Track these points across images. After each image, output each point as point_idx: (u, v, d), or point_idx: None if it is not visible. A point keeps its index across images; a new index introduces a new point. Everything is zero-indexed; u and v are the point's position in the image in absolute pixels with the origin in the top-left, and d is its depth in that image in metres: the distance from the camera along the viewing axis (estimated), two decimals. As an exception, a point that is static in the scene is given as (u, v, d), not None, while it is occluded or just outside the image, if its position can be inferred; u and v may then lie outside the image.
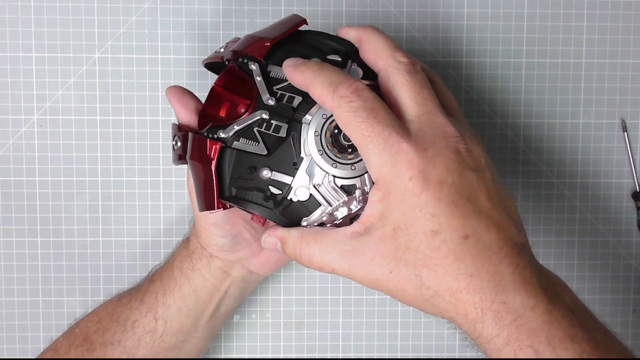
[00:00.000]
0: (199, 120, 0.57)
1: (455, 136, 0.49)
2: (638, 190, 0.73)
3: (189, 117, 0.59)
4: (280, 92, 0.52)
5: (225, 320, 0.67)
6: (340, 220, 0.53)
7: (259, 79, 0.53)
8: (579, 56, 0.73)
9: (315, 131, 0.51)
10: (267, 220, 0.54)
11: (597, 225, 0.74)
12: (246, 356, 0.75)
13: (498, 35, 0.72)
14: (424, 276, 0.48)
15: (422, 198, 0.47)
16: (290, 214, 0.53)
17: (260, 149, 0.52)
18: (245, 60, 0.54)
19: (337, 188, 0.51)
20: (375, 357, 0.75)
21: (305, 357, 0.75)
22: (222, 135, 0.53)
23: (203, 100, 0.58)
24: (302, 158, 0.52)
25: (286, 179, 0.52)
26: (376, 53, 0.52)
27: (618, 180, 0.74)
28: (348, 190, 0.52)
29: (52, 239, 0.73)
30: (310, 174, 0.51)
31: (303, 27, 0.56)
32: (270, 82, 0.53)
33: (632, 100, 0.73)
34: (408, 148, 0.47)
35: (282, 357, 0.75)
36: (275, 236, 0.54)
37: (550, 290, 0.49)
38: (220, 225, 0.61)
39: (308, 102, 0.52)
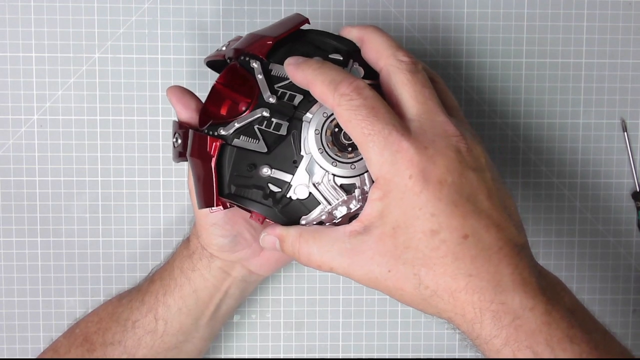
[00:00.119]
0: (200, 117, 0.57)
1: (456, 135, 0.49)
2: (638, 190, 0.73)
3: (190, 117, 0.59)
4: (281, 90, 0.53)
5: (225, 321, 0.67)
6: (339, 219, 0.53)
7: (260, 76, 0.53)
8: (579, 56, 0.73)
9: (316, 129, 0.51)
10: (266, 219, 0.54)
11: (597, 225, 0.74)
12: (246, 356, 0.75)
13: (498, 35, 0.72)
14: (422, 275, 0.48)
15: (422, 197, 0.47)
16: (289, 212, 0.53)
17: (260, 146, 0.52)
18: (247, 59, 0.54)
19: (336, 187, 0.51)
20: (375, 357, 0.75)
21: (305, 357, 0.75)
22: (222, 132, 0.53)
23: (203, 100, 0.58)
24: (302, 156, 0.52)
25: (286, 176, 0.52)
26: (378, 52, 0.52)
27: (618, 180, 0.74)
28: (347, 189, 0.52)
29: (52, 239, 0.73)
30: (310, 172, 0.51)
31: (305, 27, 0.57)
32: (271, 80, 0.53)
33: (632, 100, 0.73)
34: (408, 146, 0.47)
35: (282, 357, 0.75)
36: (274, 234, 0.54)
37: (549, 291, 0.49)
38: (221, 225, 0.61)
39: (309, 100, 0.52)
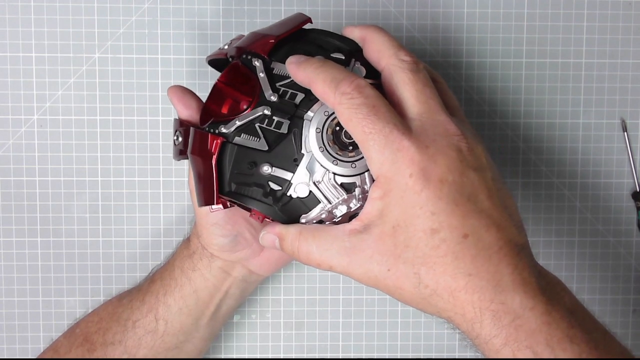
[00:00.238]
0: (201, 116, 0.57)
1: (457, 134, 0.49)
2: (638, 190, 0.73)
3: (191, 116, 0.59)
4: (283, 88, 0.53)
5: (225, 321, 0.67)
6: (339, 218, 0.53)
7: (262, 75, 0.53)
8: (579, 56, 0.73)
9: (317, 128, 0.51)
10: (266, 217, 0.54)
11: (597, 225, 0.74)
12: (246, 356, 0.75)
13: (498, 35, 0.72)
14: (422, 274, 0.48)
15: (423, 196, 0.47)
16: (289, 211, 0.53)
17: (261, 144, 0.52)
18: (249, 57, 0.54)
19: (337, 185, 0.51)
20: (375, 357, 0.75)
21: (305, 357, 0.75)
22: (223, 130, 0.53)
23: (204, 100, 0.58)
24: (303, 155, 0.52)
25: (286, 175, 0.52)
26: (379, 52, 0.52)
27: (618, 180, 0.74)
28: (348, 188, 0.52)
29: (52, 239, 0.73)
30: (310, 170, 0.52)
31: (307, 26, 0.57)
32: (273, 78, 0.53)
33: (632, 100, 0.73)
34: (409, 145, 0.47)
35: (282, 357, 0.75)
36: (274, 233, 0.54)
37: (549, 291, 0.49)
38: (221, 225, 0.61)
39: (310, 99, 0.52)
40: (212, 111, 0.56)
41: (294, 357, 0.75)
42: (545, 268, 0.51)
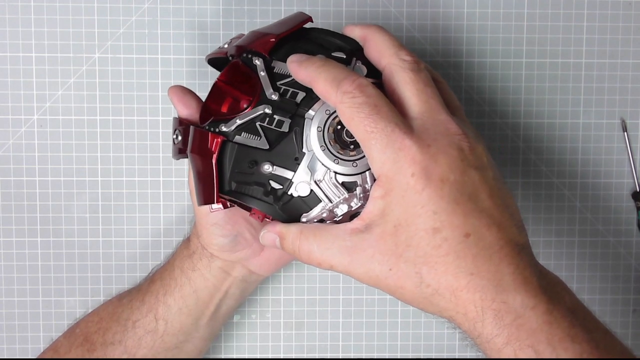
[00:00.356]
0: (201, 114, 0.57)
1: (458, 134, 0.49)
2: (638, 190, 0.73)
3: (191, 116, 0.59)
4: (283, 87, 0.53)
5: (225, 321, 0.67)
6: (340, 217, 0.53)
7: (262, 73, 0.53)
8: (579, 56, 0.73)
9: (318, 127, 0.51)
10: (266, 216, 0.54)
11: (597, 225, 0.74)
12: (246, 356, 0.75)
13: (498, 35, 0.72)
14: (424, 274, 0.48)
15: (424, 195, 0.47)
16: (290, 210, 0.53)
17: (262, 143, 0.52)
18: (250, 56, 0.54)
19: (338, 184, 0.51)
20: (375, 357, 0.75)
21: (305, 357, 0.75)
22: (224, 129, 0.53)
23: (204, 99, 0.58)
24: (304, 153, 0.52)
25: (287, 173, 0.52)
26: (380, 51, 0.52)
27: (618, 180, 0.74)
28: (349, 187, 0.52)
29: (52, 239, 0.73)
30: (311, 169, 0.51)
31: (308, 25, 0.57)
32: (274, 77, 0.53)
33: (632, 100, 0.73)
34: (411, 144, 0.47)
35: (282, 357, 0.75)
36: (274, 232, 0.54)
37: (550, 290, 0.49)
38: (221, 225, 0.61)
39: (311, 97, 0.52)
40: (212, 110, 0.56)
41: (294, 357, 0.75)
42: (545, 267, 0.51)
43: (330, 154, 0.51)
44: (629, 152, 0.73)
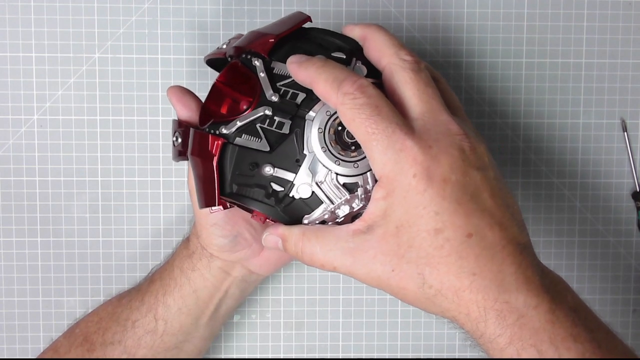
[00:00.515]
0: (200, 116, 0.57)
1: (459, 134, 0.49)
2: (638, 190, 0.73)
3: (190, 116, 0.59)
4: (283, 88, 0.52)
5: (225, 320, 0.67)
6: (342, 219, 0.53)
7: (262, 74, 0.53)
8: (579, 56, 0.73)
9: (319, 128, 0.51)
10: (267, 218, 0.54)
11: (597, 225, 0.74)
12: (246, 356, 0.75)
13: (498, 35, 0.72)
14: (426, 274, 0.48)
15: (426, 196, 0.47)
16: (291, 212, 0.53)
17: (262, 145, 0.52)
18: (249, 56, 0.54)
19: (339, 186, 0.51)
20: (375, 357, 0.75)
21: (305, 357, 0.75)
22: (224, 131, 0.53)
23: (204, 100, 0.58)
24: (305, 155, 0.51)
25: (288, 175, 0.52)
26: (380, 51, 0.52)
27: (618, 180, 0.74)
28: (350, 188, 0.52)
29: (52, 239, 0.73)
30: (312, 171, 0.51)
31: (307, 25, 0.56)
32: (273, 78, 0.53)
33: (632, 100, 0.73)
34: (412, 145, 0.47)
35: (282, 357, 0.75)
36: (277, 234, 0.54)
37: (552, 290, 0.49)
38: (221, 226, 0.60)
39: (312, 98, 0.51)
40: (211, 111, 0.56)
41: (294, 357, 0.75)
42: (547, 267, 0.51)
43: (332, 155, 0.51)
44: (629, 152, 0.73)
